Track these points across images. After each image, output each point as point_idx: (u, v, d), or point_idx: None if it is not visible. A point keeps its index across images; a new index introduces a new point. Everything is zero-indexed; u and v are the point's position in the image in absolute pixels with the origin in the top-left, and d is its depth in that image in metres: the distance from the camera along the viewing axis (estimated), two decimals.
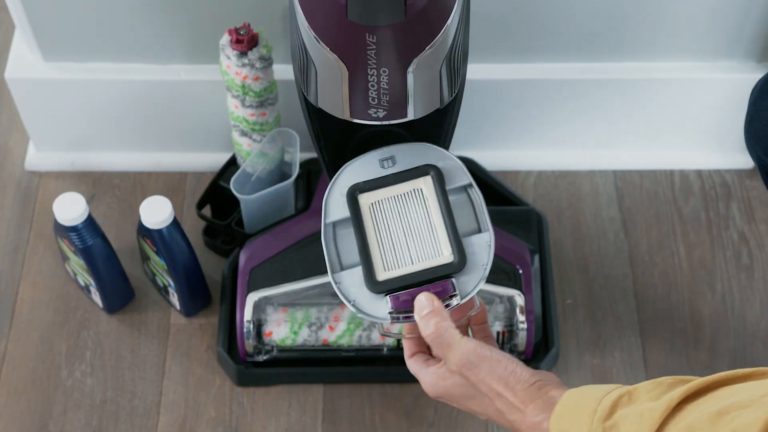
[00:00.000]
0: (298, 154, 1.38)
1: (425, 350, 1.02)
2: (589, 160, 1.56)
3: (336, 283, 0.99)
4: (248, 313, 1.31)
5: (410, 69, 0.95)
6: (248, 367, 1.35)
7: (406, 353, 1.03)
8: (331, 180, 1.06)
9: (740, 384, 0.83)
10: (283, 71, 1.32)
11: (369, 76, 0.96)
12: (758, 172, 1.06)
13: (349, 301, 0.98)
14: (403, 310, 0.97)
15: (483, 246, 0.99)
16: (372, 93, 0.98)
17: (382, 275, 0.99)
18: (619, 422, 0.84)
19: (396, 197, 1.03)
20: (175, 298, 1.39)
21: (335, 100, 1.00)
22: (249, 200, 1.36)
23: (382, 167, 1.04)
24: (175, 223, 1.31)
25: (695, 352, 1.40)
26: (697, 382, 0.83)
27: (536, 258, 1.37)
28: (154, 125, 1.51)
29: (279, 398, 1.35)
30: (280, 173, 1.42)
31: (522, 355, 1.34)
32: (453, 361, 0.94)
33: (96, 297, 1.40)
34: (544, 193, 1.54)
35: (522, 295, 1.31)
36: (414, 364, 1.02)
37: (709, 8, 1.37)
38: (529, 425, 0.91)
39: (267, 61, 1.29)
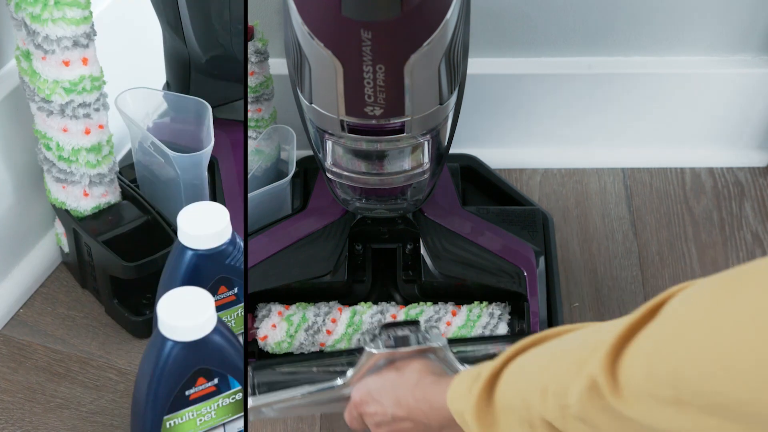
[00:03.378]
0: (294, 152, 1.36)
1: None
2: (597, 158, 1.55)
3: None
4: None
5: (407, 66, 0.94)
6: None
7: None
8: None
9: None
10: (280, 66, 1.31)
11: (364, 73, 0.95)
12: None
13: None
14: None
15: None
16: (368, 90, 0.96)
17: None
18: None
19: None
20: None
21: (330, 98, 0.98)
22: None
23: None
24: None
25: None
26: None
27: (542, 260, 1.34)
28: None
29: None
30: (276, 171, 1.40)
31: None
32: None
33: None
34: (550, 192, 1.52)
35: (527, 299, 1.28)
36: None
37: (721, 0, 1.36)
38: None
39: (262, 55, 1.28)
